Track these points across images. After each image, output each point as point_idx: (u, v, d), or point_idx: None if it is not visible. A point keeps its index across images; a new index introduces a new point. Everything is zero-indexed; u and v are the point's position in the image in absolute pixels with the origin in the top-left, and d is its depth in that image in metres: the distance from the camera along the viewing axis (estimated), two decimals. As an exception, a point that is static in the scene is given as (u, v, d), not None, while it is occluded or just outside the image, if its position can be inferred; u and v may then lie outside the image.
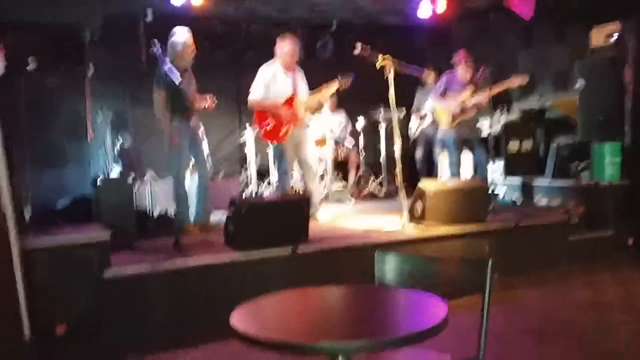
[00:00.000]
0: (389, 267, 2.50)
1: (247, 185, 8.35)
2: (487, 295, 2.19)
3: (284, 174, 6.32)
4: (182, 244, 4.70)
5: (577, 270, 5.64)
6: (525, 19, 7.35)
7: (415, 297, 2.18)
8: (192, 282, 4.40)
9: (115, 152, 7.22)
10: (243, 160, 8.91)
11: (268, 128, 6.16)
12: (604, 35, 7.20)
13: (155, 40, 5.13)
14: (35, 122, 5.69)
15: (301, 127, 6.34)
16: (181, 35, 5.83)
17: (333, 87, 6.30)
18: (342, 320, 2.08)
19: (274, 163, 6.55)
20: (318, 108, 7.23)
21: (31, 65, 5.82)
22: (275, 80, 6.19)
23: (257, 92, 6.18)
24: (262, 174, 8.45)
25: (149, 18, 8.37)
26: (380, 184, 8.88)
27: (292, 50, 6.16)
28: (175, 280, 4.37)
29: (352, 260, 4.76)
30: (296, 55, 6.23)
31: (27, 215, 4.96)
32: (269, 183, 8.25)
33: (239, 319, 1.92)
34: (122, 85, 8.25)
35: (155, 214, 6.46)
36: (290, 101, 6.23)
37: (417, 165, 8.78)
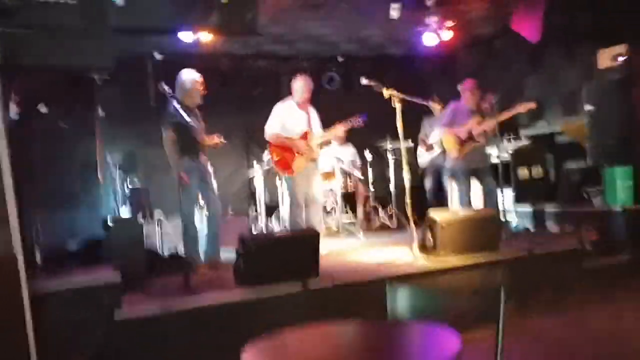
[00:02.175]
0: (401, 300, 2.47)
1: (256, 222, 8.34)
2: (501, 326, 2.15)
3: (296, 207, 6.40)
4: (192, 282, 4.68)
5: (594, 298, 5.53)
6: (533, 42, 7.35)
7: (429, 331, 2.15)
8: (203, 321, 4.37)
9: (125, 192, 7.25)
10: (252, 196, 8.92)
11: (281, 159, 6.39)
12: (611, 57, 7.20)
13: (164, 84, 5.21)
14: (46, 164, 5.73)
15: (313, 162, 6.53)
16: (190, 73, 5.92)
17: (346, 125, 6.53)
18: (355, 356, 2.05)
19: (288, 195, 6.64)
20: (327, 142, 7.37)
21: (42, 109, 5.89)
22: (289, 115, 6.45)
23: (273, 126, 6.43)
24: (271, 209, 8.44)
25: (158, 57, 8.50)
26: (390, 215, 8.84)
27: (303, 87, 6.45)
28: (186, 320, 4.34)
29: (364, 294, 4.70)
30: (308, 92, 6.47)
31: (38, 258, 4.96)
32: (278, 219, 8.23)
33: (250, 358, 1.91)
34: (131, 125, 8.33)
35: (166, 253, 6.46)
36: (305, 136, 6.44)
37: (427, 195, 8.75)
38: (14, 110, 5.14)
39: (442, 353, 1.84)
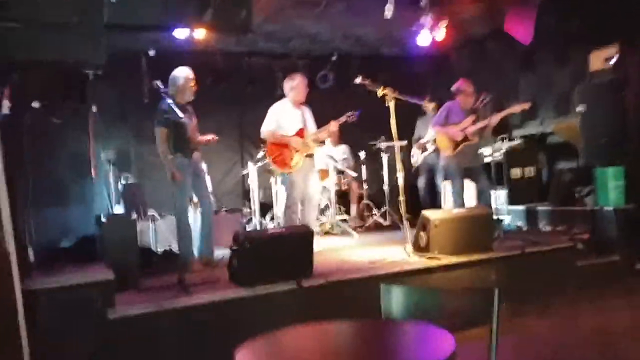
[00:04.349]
0: (395, 299, 2.47)
1: (250, 220, 8.33)
2: (495, 326, 2.16)
3: (292, 204, 6.41)
4: (186, 281, 4.67)
5: (586, 297, 5.57)
6: (525, 44, 7.37)
7: (422, 331, 2.15)
8: (197, 320, 4.35)
9: (119, 189, 7.22)
10: (246, 194, 8.90)
11: (279, 155, 6.44)
12: (602, 58, 7.22)
13: (157, 80, 5.19)
14: (38, 160, 5.70)
15: (310, 159, 6.58)
16: (182, 70, 5.91)
17: (340, 121, 6.54)
18: (349, 356, 2.05)
19: (285, 192, 6.64)
20: (322, 141, 7.39)
21: (35, 104, 5.86)
22: (284, 114, 6.52)
23: (268, 125, 6.52)
24: (265, 208, 8.43)
25: (151, 54, 8.46)
26: (384, 214, 8.85)
27: (298, 86, 6.51)
28: (180, 319, 4.32)
29: (358, 293, 4.71)
30: (302, 90, 6.54)
31: (31, 255, 4.93)
32: (272, 217, 8.22)
33: (243, 357, 1.90)
34: (125, 121, 8.31)
35: (159, 251, 6.44)
36: (300, 133, 6.50)
37: (420, 195, 8.76)
38: (6, 106, 5.11)
39: (436, 353, 1.83)
